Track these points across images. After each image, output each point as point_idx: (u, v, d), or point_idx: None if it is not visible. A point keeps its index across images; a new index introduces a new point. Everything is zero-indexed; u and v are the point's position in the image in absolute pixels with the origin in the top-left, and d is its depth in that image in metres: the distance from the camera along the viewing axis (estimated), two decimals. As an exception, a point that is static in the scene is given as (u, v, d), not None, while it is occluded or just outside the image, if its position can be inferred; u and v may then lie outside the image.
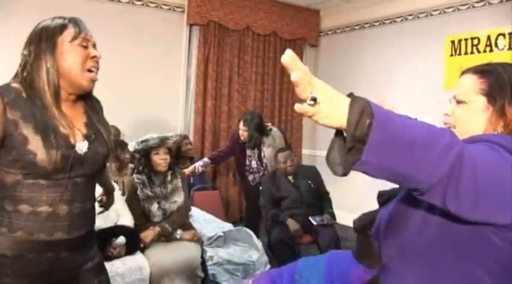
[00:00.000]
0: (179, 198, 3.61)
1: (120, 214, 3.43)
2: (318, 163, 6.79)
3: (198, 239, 3.62)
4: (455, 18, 5.51)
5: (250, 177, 5.21)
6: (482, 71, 1.29)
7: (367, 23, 6.74)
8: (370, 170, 0.92)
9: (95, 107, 1.81)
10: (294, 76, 0.88)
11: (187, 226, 3.67)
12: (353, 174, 0.94)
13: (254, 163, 5.16)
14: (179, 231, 3.54)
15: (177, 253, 3.38)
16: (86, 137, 1.66)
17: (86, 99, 1.76)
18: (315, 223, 4.31)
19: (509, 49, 4.96)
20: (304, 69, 0.89)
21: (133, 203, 3.55)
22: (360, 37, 6.88)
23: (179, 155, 5.08)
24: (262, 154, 5.10)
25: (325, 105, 0.90)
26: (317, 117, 0.91)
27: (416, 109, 3.51)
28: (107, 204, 2.26)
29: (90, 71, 1.64)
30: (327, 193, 4.65)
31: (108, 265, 2.76)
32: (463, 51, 5.38)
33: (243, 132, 5.02)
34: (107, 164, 1.93)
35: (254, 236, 4.11)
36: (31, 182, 1.53)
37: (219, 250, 3.89)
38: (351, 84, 6.46)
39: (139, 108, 5.76)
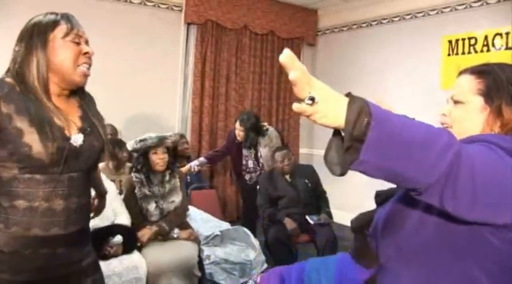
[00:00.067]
0: (177, 198, 3.61)
1: (117, 213, 3.43)
2: (315, 162, 6.79)
3: (195, 238, 3.62)
4: (453, 18, 5.52)
5: (247, 177, 5.22)
6: (479, 71, 1.29)
7: (364, 23, 6.74)
8: (367, 170, 0.92)
9: (89, 102, 1.81)
10: (292, 76, 0.88)
11: (184, 225, 3.67)
12: (350, 173, 0.94)
13: (251, 163, 5.16)
14: (176, 230, 3.53)
15: (174, 252, 3.37)
16: (81, 130, 1.66)
17: (79, 93, 1.76)
18: (311, 222, 4.31)
19: (506, 49, 4.97)
20: (302, 69, 0.89)
21: (131, 202, 3.54)
22: (357, 36, 6.88)
23: (176, 154, 5.08)
24: (259, 154, 5.10)
25: (323, 105, 0.90)
26: (315, 117, 0.91)
27: (413, 109, 3.51)
28: (98, 208, 2.20)
29: (82, 66, 1.63)
30: (324, 193, 4.65)
31: (105, 264, 2.76)
32: (460, 51, 5.39)
33: (240, 132, 5.02)
34: (101, 164, 1.92)
35: (251, 235, 4.11)
36: (27, 177, 1.53)
37: (216, 249, 3.90)
38: (348, 83, 6.47)
39: (136, 106, 5.76)
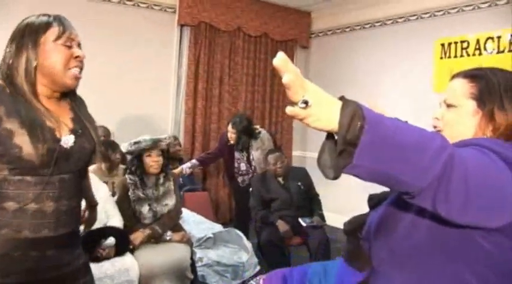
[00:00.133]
0: (171, 201, 3.60)
1: (109, 215, 3.42)
2: (308, 164, 6.79)
3: (187, 241, 3.61)
4: (446, 21, 5.55)
5: (240, 179, 5.21)
6: (472, 75, 1.30)
7: (357, 25, 6.76)
8: (361, 173, 0.92)
9: (80, 104, 1.80)
10: (285, 79, 0.88)
11: (177, 227, 3.66)
12: (343, 176, 0.94)
13: (243, 166, 5.16)
14: (169, 233, 3.52)
15: (167, 254, 3.36)
16: (73, 131, 1.65)
17: (71, 96, 1.75)
18: (304, 224, 4.31)
19: (498, 53, 5.00)
20: (296, 72, 0.89)
21: (124, 204, 3.53)
22: (350, 39, 6.90)
23: (168, 156, 5.07)
24: (251, 157, 5.10)
25: (317, 108, 0.90)
26: (308, 120, 0.91)
27: (406, 112, 3.53)
28: (89, 220, 2.17)
29: (73, 69, 1.62)
30: (317, 195, 4.66)
31: (97, 266, 2.76)
32: (452, 54, 5.42)
33: (232, 135, 5.02)
34: (93, 166, 1.91)
35: (244, 237, 4.11)
36: (17, 179, 1.52)
37: (208, 251, 3.89)
38: (342, 85, 6.48)
39: (129, 108, 5.74)
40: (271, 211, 4.41)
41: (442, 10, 5.58)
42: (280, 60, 0.89)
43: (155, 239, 3.47)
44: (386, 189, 1.20)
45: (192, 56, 6.33)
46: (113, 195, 3.75)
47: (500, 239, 1.11)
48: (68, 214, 1.64)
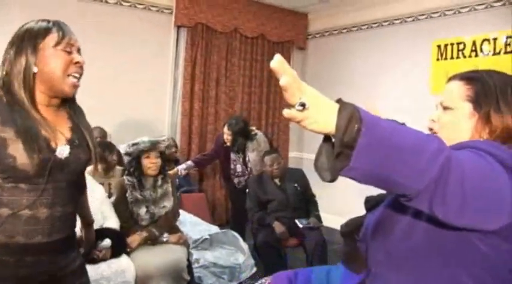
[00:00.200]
0: (168, 203, 3.60)
1: (106, 217, 3.40)
2: (305, 165, 6.81)
3: (184, 242, 3.60)
4: (442, 23, 5.56)
5: (236, 181, 5.21)
6: (468, 77, 1.30)
7: (354, 27, 6.77)
8: (358, 176, 0.92)
9: (79, 114, 1.79)
10: (282, 81, 0.88)
11: (173, 229, 3.65)
12: (340, 177, 0.94)
13: (239, 167, 5.16)
14: (165, 234, 3.52)
15: (163, 255, 3.36)
16: (69, 142, 1.64)
17: (69, 104, 1.74)
18: (301, 225, 4.31)
19: (494, 54, 5.01)
20: (293, 74, 0.89)
21: (122, 205, 3.52)
22: (347, 40, 6.90)
23: (165, 158, 5.07)
24: (247, 159, 5.10)
25: (314, 111, 0.90)
26: (305, 123, 0.91)
27: (403, 113, 3.53)
28: (87, 240, 2.14)
29: (72, 76, 1.61)
30: (313, 196, 4.66)
31: (93, 268, 2.75)
32: (449, 55, 5.43)
33: (228, 137, 5.02)
34: (90, 167, 1.89)
35: (240, 239, 4.11)
36: (11, 185, 1.51)
37: (205, 252, 3.89)
38: (338, 87, 6.49)
39: (126, 109, 5.73)
40: (268, 212, 4.41)
41: (438, 11, 5.59)
42: (277, 62, 0.88)
43: (152, 241, 3.46)
44: (383, 191, 1.20)
45: (188, 57, 6.33)
46: (109, 196, 3.74)
47: (497, 242, 1.11)
48: (62, 220, 1.64)
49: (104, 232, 3.19)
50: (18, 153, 1.48)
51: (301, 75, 0.88)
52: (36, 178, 1.53)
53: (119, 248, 3.22)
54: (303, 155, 7.42)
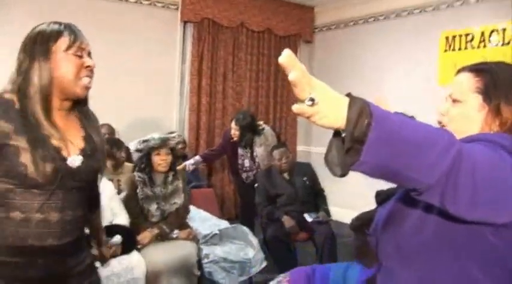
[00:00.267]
0: (179, 200, 3.60)
1: (115, 214, 3.41)
2: (313, 159, 6.80)
3: (193, 238, 3.61)
4: (450, 14, 5.53)
5: (244, 175, 5.22)
6: (477, 69, 1.28)
7: (361, 19, 6.74)
8: (368, 170, 0.91)
9: (92, 122, 1.79)
10: (292, 77, 0.87)
11: (183, 224, 3.66)
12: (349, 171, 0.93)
13: (247, 162, 5.16)
14: (176, 231, 3.53)
15: (173, 251, 3.37)
16: (82, 151, 1.65)
17: (80, 109, 1.74)
18: (310, 219, 4.31)
19: (503, 45, 4.98)
20: (302, 69, 0.88)
21: (132, 201, 3.54)
22: (354, 33, 6.87)
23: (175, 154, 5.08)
24: (255, 154, 5.10)
25: (324, 106, 0.89)
26: (315, 118, 0.90)
27: (411, 105, 3.51)
28: (101, 261, 2.18)
29: (84, 79, 1.61)
30: (322, 190, 4.66)
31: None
32: (457, 47, 5.40)
33: (235, 132, 5.02)
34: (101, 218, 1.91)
35: (250, 233, 4.10)
36: (23, 190, 1.53)
37: (215, 248, 3.88)
38: (346, 80, 6.47)
39: (133, 105, 5.74)
40: (277, 206, 4.41)
41: (446, 3, 5.56)
42: (286, 57, 0.88)
43: (162, 237, 3.48)
44: (392, 185, 1.20)
45: (195, 52, 6.34)
46: (118, 192, 3.75)
47: (507, 234, 1.11)
48: (73, 223, 1.65)
49: (114, 229, 3.20)
50: (30, 162, 1.49)
51: (308, 68, 0.87)
52: (48, 186, 1.54)
53: (129, 244, 3.23)
54: (311, 149, 7.41)
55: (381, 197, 1.45)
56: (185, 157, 5.45)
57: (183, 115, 6.41)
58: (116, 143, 4.21)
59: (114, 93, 5.40)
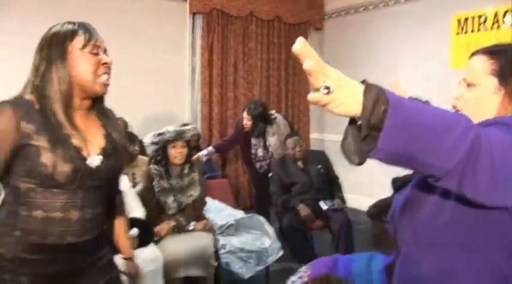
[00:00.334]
0: (195, 192, 3.62)
1: (131, 207, 3.43)
2: (327, 146, 6.78)
3: (210, 229, 3.63)
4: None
5: (258, 165, 5.23)
6: (492, 51, 1.26)
7: (371, 5, 6.67)
8: (386, 158, 0.90)
9: (109, 115, 1.80)
10: (306, 65, 0.86)
11: (199, 216, 3.68)
12: (365, 158, 0.93)
13: (260, 152, 5.17)
14: (192, 223, 3.55)
15: (190, 243, 3.39)
16: (103, 150, 1.66)
17: (99, 108, 1.75)
18: (325, 207, 4.31)
19: (516, 25, 4.90)
20: (316, 57, 0.87)
21: (149, 194, 3.56)
22: (364, 19, 6.81)
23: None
24: (267, 143, 5.10)
25: (339, 94, 0.88)
26: (331, 106, 0.89)
27: (425, 90, 3.48)
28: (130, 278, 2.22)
29: (102, 76, 1.62)
30: (337, 178, 4.65)
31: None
32: (469, 29, 5.32)
33: (247, 122, 5.03)
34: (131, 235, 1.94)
35: (266, 223, 4.10)
36: (44, 189, 1.55)
37: (231, 238, 3.90)
38: (357, 66, 6.42)
39: (145, 99, 5.75)
40: (292, 195, 4.42)
41: (457, -16, 5.49)
42: (300, 45, 0.87)
43: (179, 229, 3.50)
44: (406, 172, 1.19)
45: (205, 43, 6.33)
46: (133, 186, 3.77)
47: None
48: (93, 221, 1.67)
49: (130, 222, 3.22)
50: (50, 162, 1.50)
51: (319, 56, 0.87)
52: (68, 185, 1.56)
53: (146, 237, 3.25)
54: (325, 136, 7.38)
55: (398, 184, 1.45)
56: (198, 149, 5.46)
57: (195, 106, 6.43)
58: (129, 137, 4.23)
59: (125, 88, 5.39)
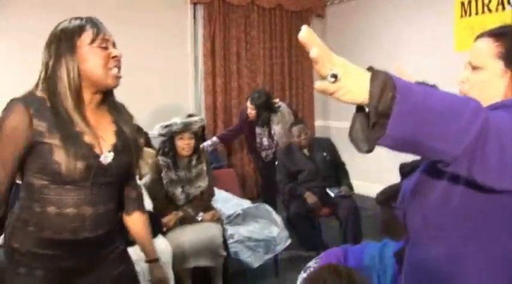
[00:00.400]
0: (203, 183, 3.63)
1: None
2: (332, 134, 6.78)
3: (218, 219, 3.65)
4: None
5: (263, 154, 5.23)
6: (497, 33, 1.25)
7: (373, -10, 6.63)
8: (395, 144, 0.90)
9: (120, 109, 1.80)
10: (313, 53, 0.85)
11: (208, 207, 3.70)
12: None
13: (265, 141, 5.16)
14: (200, 214, 3.57)
15: (199, 234, 3.41)
16: (114, 147, 1.67)
17: (109, 102, 1.75)
18: (332, 194, 4.31)
19: (522, 6, 4.85)
20: (322, 46, 0.86)
21: (157, 185, 3.57)
22: (366, 4, 6.76)
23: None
24: (272, 132, 5.09)
25: (346, 81, 0.87)
26: (338, 94, 0.88)
27: (429, 74, 3.46)
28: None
29: (113, 69, 1.63)
30: (343, 165, 4.65)
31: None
32: (473, 11, 5.27)
33: (251, 111, 5.02)
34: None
35: (273, 211, 4.11)
36: (57, 186, 1.56)
37: (239, 227, 3.91)
38: (361, 52, 6.40)
39: (148, 90, 5.73)
40: (298, 183, 4.42)
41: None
42: (306, 32, 0.86)
43: (187, 221, 3.51)
44: (414, 157, 1.18)
45: (207, 33, 6.31)
46: (140, 178, 3.78)
47: None
48: (105, 216, 1.69)
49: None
50: (63, 160, 1.52)
51: (322, 44, 0.86)
52: (81, 182, 1.58)
53: (154, 229, 3.26)
54: (330, 123, 7.37)
55: (406, 169, 1.44)
56: (204, 139, 5.46)
57: (199, 97, 6.42)
58: (136, 130, 4.23)
59: (128, 81, 5.33)
